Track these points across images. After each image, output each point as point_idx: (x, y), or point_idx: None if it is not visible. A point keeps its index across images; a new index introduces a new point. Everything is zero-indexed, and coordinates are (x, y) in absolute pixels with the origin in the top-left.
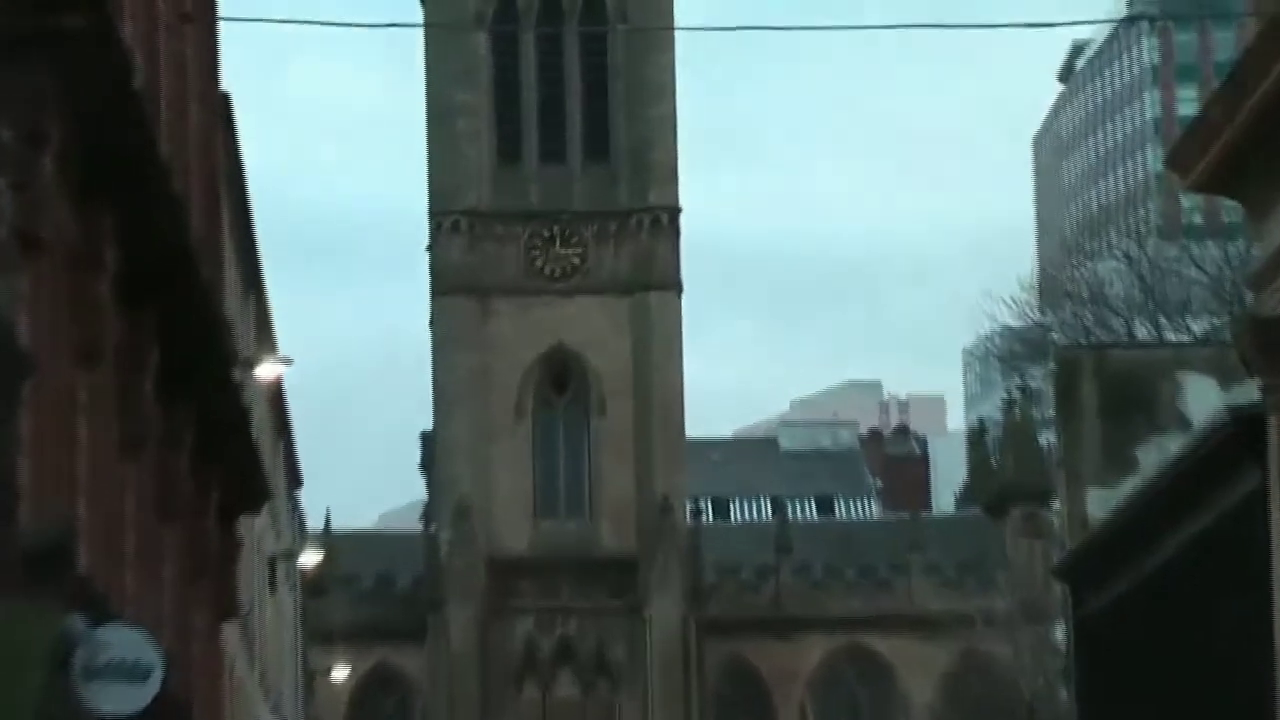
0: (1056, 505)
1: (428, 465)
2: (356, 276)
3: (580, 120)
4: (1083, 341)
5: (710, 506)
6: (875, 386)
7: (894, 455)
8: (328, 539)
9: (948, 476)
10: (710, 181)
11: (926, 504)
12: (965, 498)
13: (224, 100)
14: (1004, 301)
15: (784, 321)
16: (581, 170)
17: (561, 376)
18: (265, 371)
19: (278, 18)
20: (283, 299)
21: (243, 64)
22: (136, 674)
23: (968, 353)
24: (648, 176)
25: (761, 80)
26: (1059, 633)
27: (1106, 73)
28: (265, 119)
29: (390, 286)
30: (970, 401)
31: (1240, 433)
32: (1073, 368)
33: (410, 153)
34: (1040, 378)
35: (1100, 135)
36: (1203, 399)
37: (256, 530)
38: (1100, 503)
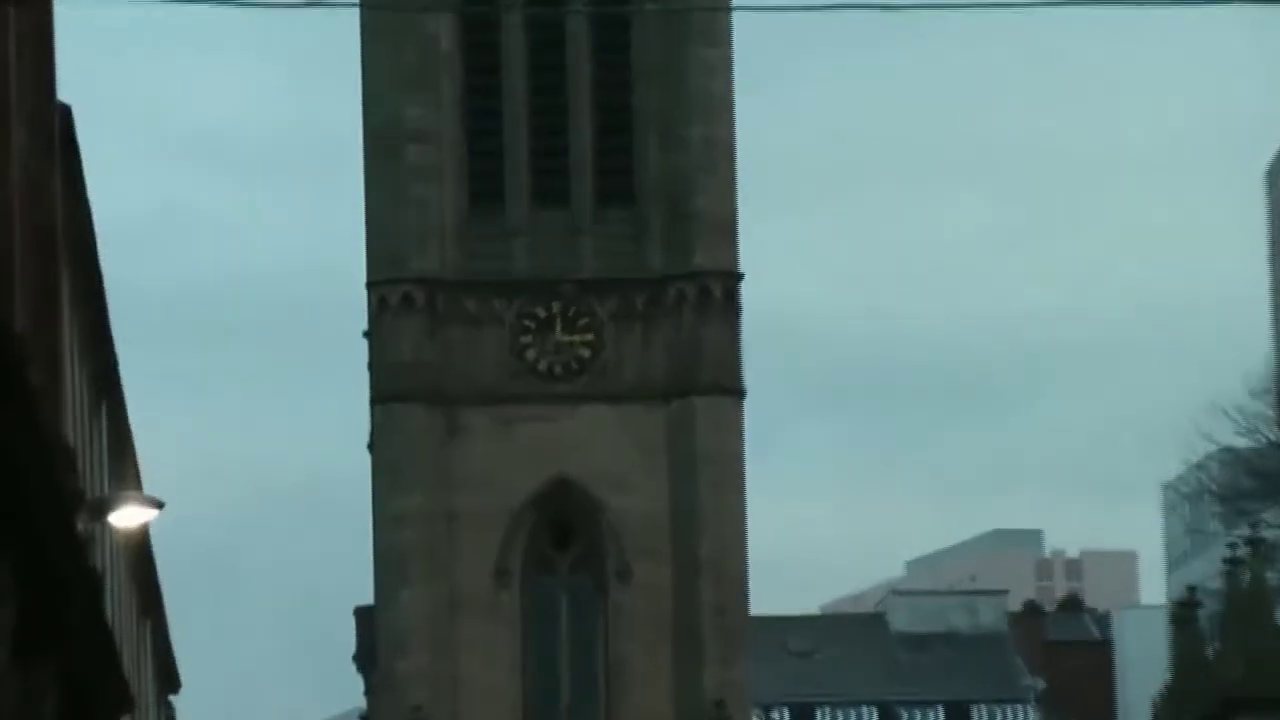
0: None
1: (366, 658)
2: (260, 375)
3: (591, 145)
4: None
5: (789, 718)
6: (1031, 538)
7: (1061, 640)
8: None
9: (1141, 672)
10: (771, 234)
11: (1110, 714)
12: (1168, 705)
13: (64, 119)
14: (1224, 412)
15: (891, 440)
16: (593, 219)
17: (565, 525)
18: (125, 519)
19: None
20: (149, 412)
21: (94, 70)
22: None
23: (1169, 489)
24: (691, 228)
25: (834, 91)
26: None
27: None
28: (124, 148)
29: (310, 391)
30: (1174, 561)
31: None
32: None
33: (340, 195)
34: None
35: None
36: None
37: None
38: None
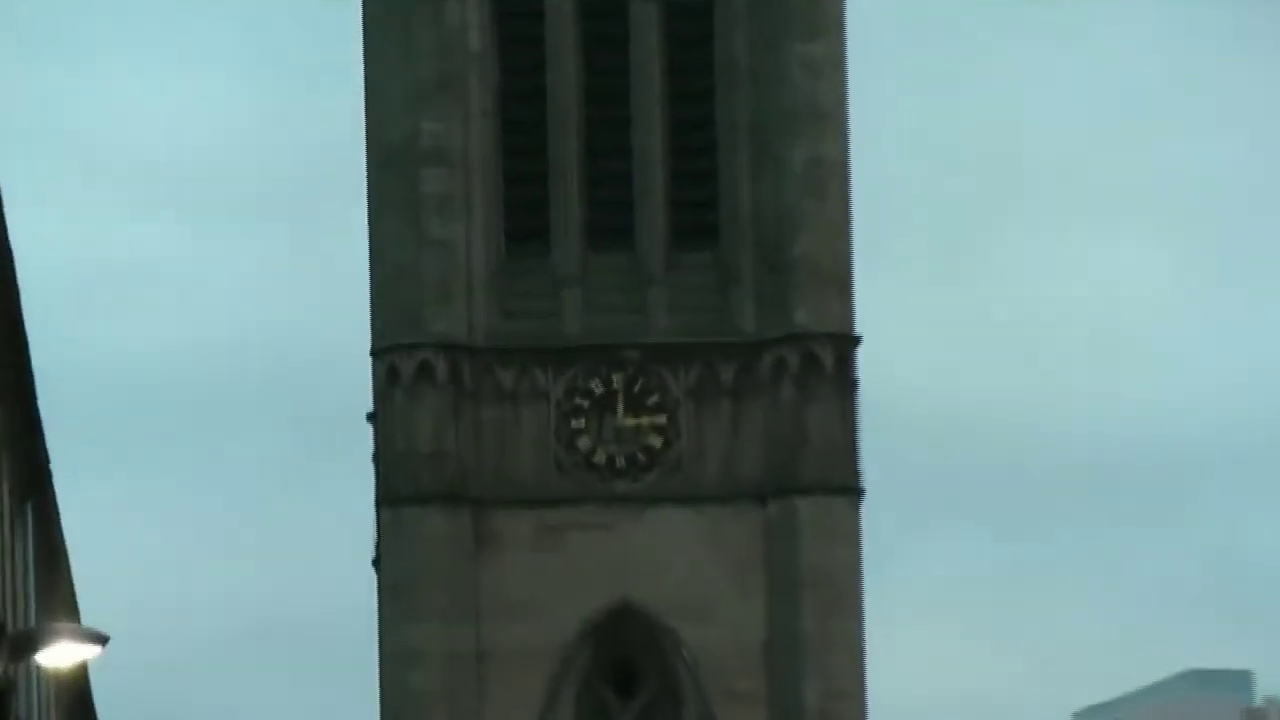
0: None
1: None
2: (232, 473)
3: (662, 169)
4: None
5: None
6: (1238, 681)
7: None
8: None
9: None
10: (891, 288)
11: None
12: None
13: None
14: None
15: (1050, 553)
16: (666, 265)
17: (629, 662)
18: (56, 658)
19: None
20: (88, 522)
21: (9, 83)
22: None
23: None
24: (792, 278)
25: (975, 99)
26: None
27: None
28: (52, 183)
29: (297, 492)
30: None
31: None
32: None
33: (336, 239)
34: None
35: None
36: None
37: None
38: None
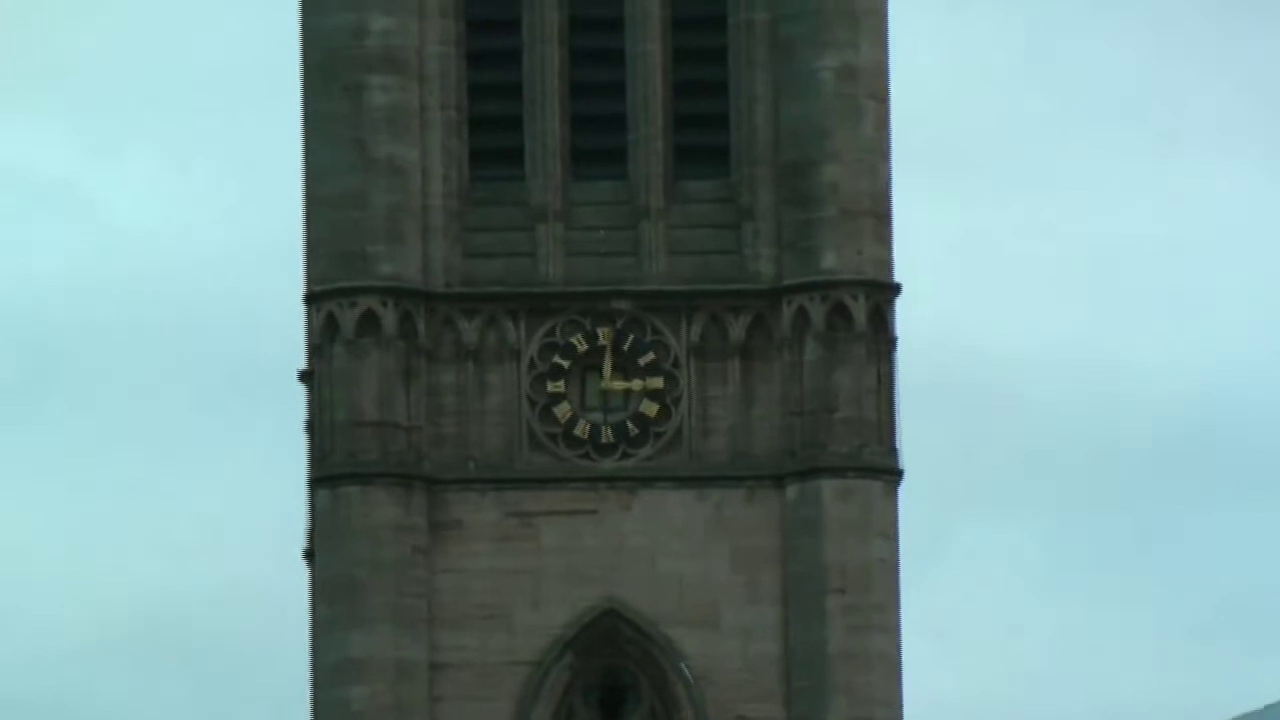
0: None
1: None
2: (131, 438)
3: (662, 80)
4: None
5: None
6: None
7: None
8: None
9: None
10: (939, 226)
11: None
12: None
13: None
14: None
15: (1130, 544)
16: (667, 196)
17: (615, 676)
18: None
19: None
20: None
21: None
22: None
23: None
24: (819, 213)
25: (1037, 10)
26: None
27: None
28: None
29: (211, 465)
30: None
31: None
32: None
33: (261, 158)
34: None
35: None
36: None
37: None
38: None
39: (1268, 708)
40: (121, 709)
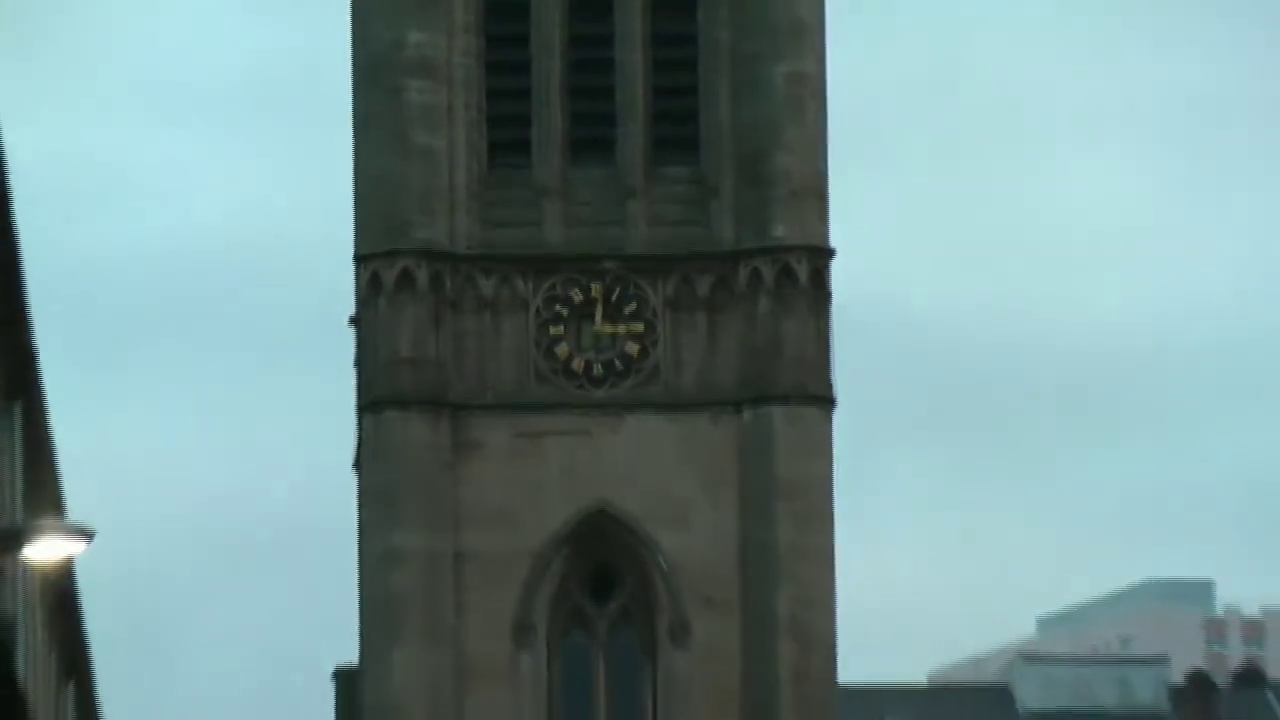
0: None
1: None
2: (215, 373)
3: (644, 83)
4: None
5: None
6: (1199, 592)
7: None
8: None
9: None
10: (866, 202)
11: None
12: None
13: None
14: None
15: (1018, 465)
16: (646, 178)
17: (604, 568)
18: (42, 553)
19: None
20: (75, 419)
21: None
22: None
23: None
24: (771, 192)
25: (949, 20)
26: None
27: None
28: (43, 86)
29: (279, 394)
30: None
31: None
32: None
33: (322, 146)
34: None
35: None
36: None
37: None
38: None
39: (1130, 587)
40: (209, 586)
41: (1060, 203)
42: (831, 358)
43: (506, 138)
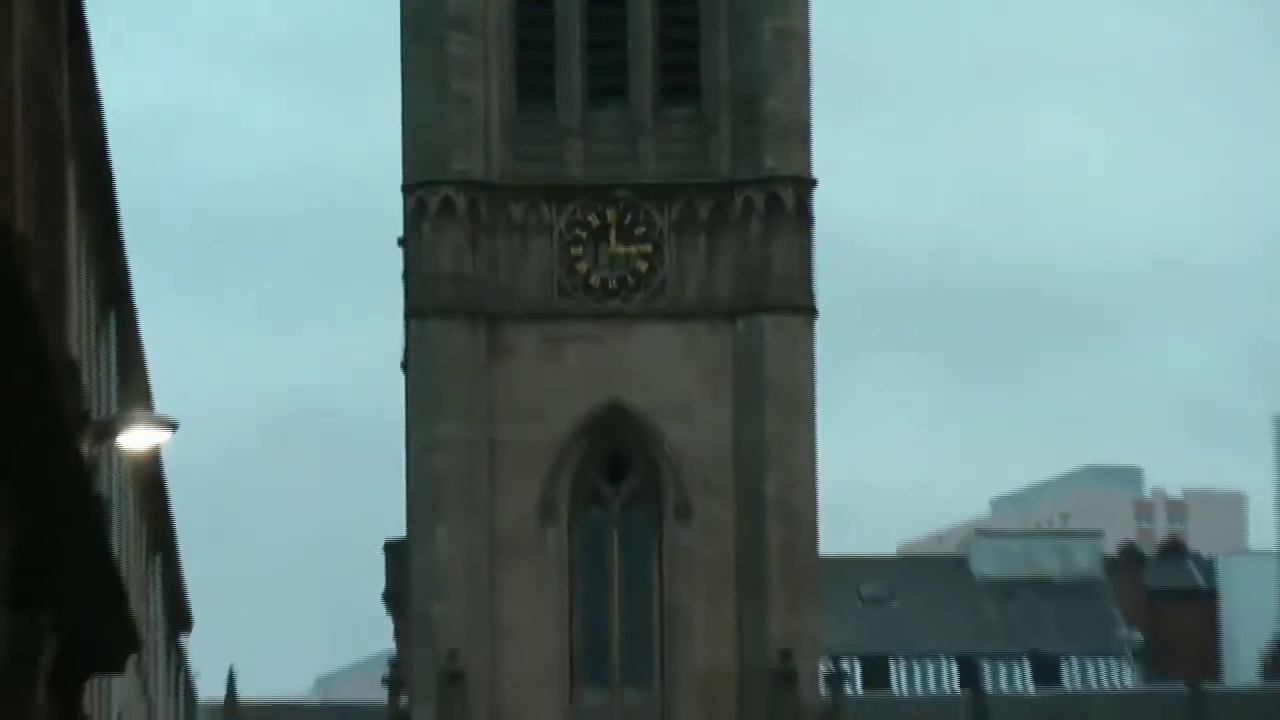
0: None
1: (396, 598)
2: (284, 286)
3: (652, 37)
4: None
5: (860, 671)
6: (1130, 476)
7: (1161, 589)
8: (232, 718)
9: (1251, 624)
10: (845, 140)
11: (1215, 670)
12: (1278, 658)
13: (73, 4)
14: None
15: (975, 368)
16: (654, 118)
17: (618, 455)
18: (133, 441)
19: None
20: (162, 325)
21: None
22: None
23: None
24: (762, 130)
25: None
26: None
27: None
28: (138, 38)
29: (339, 304)
30: None
31: None
32: None
33: (374, 90)
34: None
35: None
36: None
37: (117, 703)
38: None
39: (1071, 472)
40: (277, 470)
41: (1021, 145)
42: (813, 274)
43: (534, 84)
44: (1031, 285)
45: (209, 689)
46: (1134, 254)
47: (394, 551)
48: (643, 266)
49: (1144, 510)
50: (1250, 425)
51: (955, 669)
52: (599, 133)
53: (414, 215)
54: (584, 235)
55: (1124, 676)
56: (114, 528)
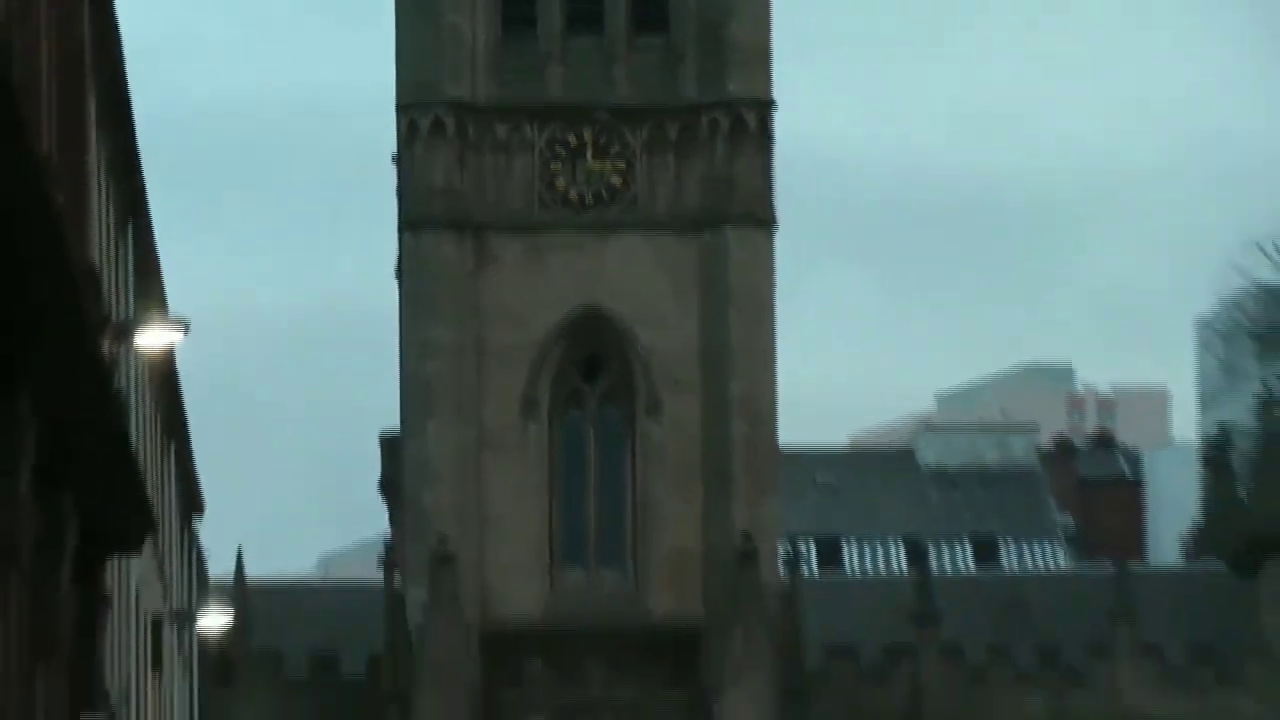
0: None
1: (391, 486)
2: (287, 199)
3: None
4: None
5: (815, 552)
6: (1063, 374)
7: (1091, 478)
8: (240, 594)
9: (1173, 511)
10: (804, 69)
11: (1140, 551)
12: (1198, 544)
13: None
14: (1261, 249)
15: (924, 277)
16: (627, 46)
17: (594, 356)
18: (149, 341)
19: None
20: (175, 234)
21: None
22: None
23: (1203, 325)
24: (726, 56)
25: None
26: None
27: None
28: None
29: (337, 217)
30: (1207, 399)
31: None
32: None
33: (371, 18)
34: None
35: None
36: None
37: (134, 580)
38: None
39: (1010, 370)
40: (281, 370)
41: (965, 72)
42: (774, 189)
43: (517, 14)
44: (974, 196)
45: (219, 567)
46: (1072, 169)
47: (389, 444)
48: (617, 182)
49: (1076, 405)
50: (1174, 325)
51: (903, 550)
52: (577, 59)
53: (407, 134)
54: (563, 153)
55: (1057, 557)
56: (131, 420)
